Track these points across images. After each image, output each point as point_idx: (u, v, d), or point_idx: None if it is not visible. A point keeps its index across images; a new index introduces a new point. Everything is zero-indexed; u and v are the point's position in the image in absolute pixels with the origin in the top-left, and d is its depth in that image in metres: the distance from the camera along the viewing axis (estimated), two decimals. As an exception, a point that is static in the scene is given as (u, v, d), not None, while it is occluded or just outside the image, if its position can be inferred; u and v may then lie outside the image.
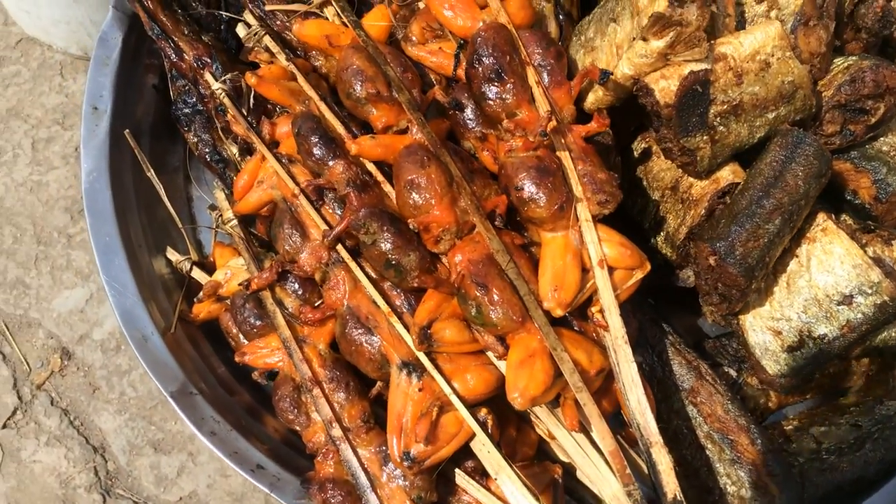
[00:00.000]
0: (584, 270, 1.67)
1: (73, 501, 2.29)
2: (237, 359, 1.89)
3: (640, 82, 1.76)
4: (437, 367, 1.65)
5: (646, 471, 1.64)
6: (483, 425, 1.64)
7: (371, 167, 1.82)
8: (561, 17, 2.01)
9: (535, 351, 1.60)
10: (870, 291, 1.74)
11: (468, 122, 1.84)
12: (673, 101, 1.71)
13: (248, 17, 2.09)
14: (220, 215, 2.06)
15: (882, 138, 1.91)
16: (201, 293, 2.01)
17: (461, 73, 1.87)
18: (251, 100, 2.03)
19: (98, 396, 2.38)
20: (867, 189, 1.88)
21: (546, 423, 1.69)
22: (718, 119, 1.76)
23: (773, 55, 1.76)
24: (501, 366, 1.66)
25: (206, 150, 2.14)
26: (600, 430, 1.60)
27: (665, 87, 1.72)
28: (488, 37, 1.75)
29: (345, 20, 1.94)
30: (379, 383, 1.78)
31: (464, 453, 1.69)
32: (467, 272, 1.63)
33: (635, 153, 2.03)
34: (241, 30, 2.08)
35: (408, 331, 1.68)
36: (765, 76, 1.76)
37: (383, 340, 1.70)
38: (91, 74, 2.17)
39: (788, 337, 1.79)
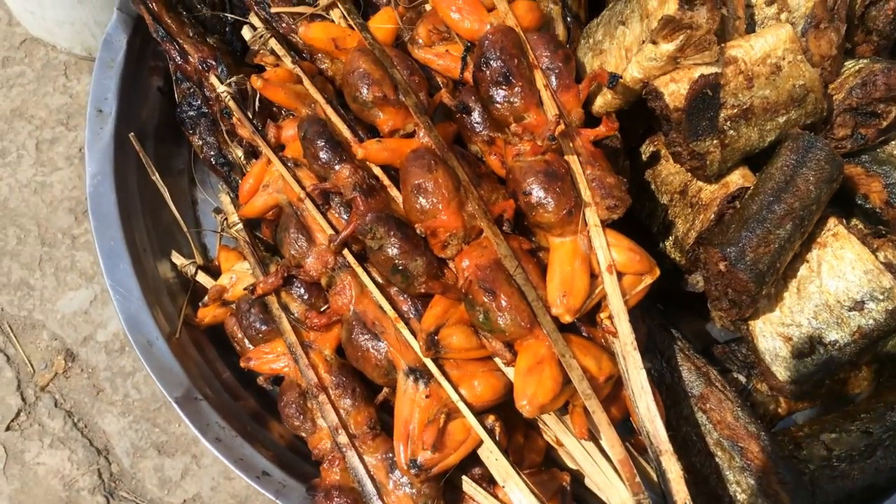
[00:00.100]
0: (593, 276, 1.66)
1: (76, 504, 2.28)
2: (242, 364, 1.88)
3: (650, 86, 1.74)
4: (444, 373, 1.64)
5: (655, 479, 1.63)
6: (491, 432, 1.63)
7: (377, 171, 1.80)
8: (569, 19, 2.00)
9: (544, 357, 1.58)
10: (881, 297, 1.72)
11: (475, 125, 1.83)
12: (683, 105, 1.70)
13: (253, 19, 2.08)
14: (226, 219, 2.05)
15: (893, 142, 1.89)
16: (206, 297, 1.99)
17: (468, 75, 1.85)
18: (256, 103, 2.02)
19: (102, 398, 2.37)
20: (878, 193, 1.86)
21: (554, 429, 1.67)
22: (729, 123, 1.74)
23: (784, 58, 1.74)
24: (509, 372, 1.65)
25: (211, 153, 2.12)
26: (609, 438, 1.59)
27: (675, 90, 1.71)
28: (496, 40, 1.74)
29: (351, 23, 1.93)
30: (385, 389, 1.77)
31: (471, 460, 1.67)
32: (475, 277, 1.62)
33: (643, 156, 2.02)
34: (246, 32, 2.07)
35: (415, 337, 1.67)
36: (776, 80, 1.74)
37: (390, 346, 1.69)
38: (95, 77, 2.15)
39: (799, 343, 1.77)
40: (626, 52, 1.78)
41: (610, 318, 1.64)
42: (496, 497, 1.67)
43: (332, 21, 2.00)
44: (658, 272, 1.68)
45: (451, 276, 1.70)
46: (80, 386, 2.39)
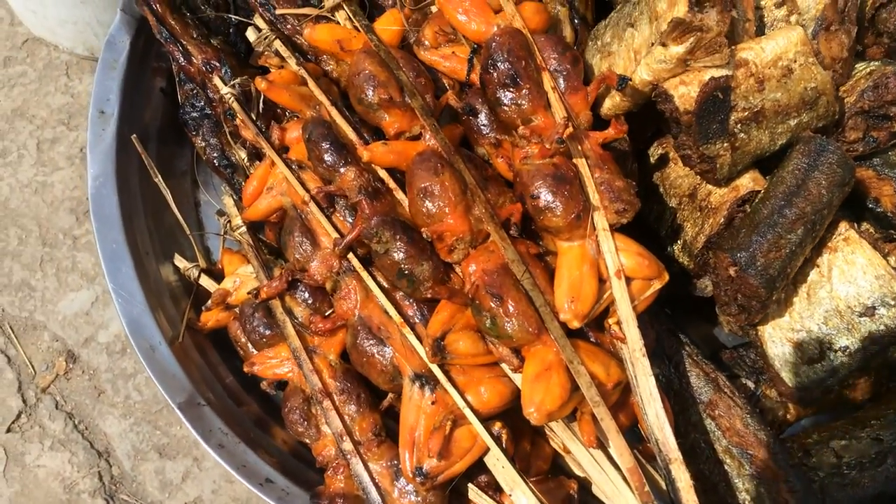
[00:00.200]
0: (601, 281, 1.64)
1: (77, 507, 2.27)
2: (246, 369, 1.86)
3: (659, 88, 1.72)
4: (450, 379, 1.62)
5: (664, 487, 1.61)
6: (497, 440, 1.61)
7: (383, 174, 1.79)
8: (576, 21, 1.98)
9: (552, 364, 1.56)
10: (892, 303, 1.71)
11: (482, 127, 1.81)
12: (693, 108, 1.68)
13: (258, 20, 2.06)
14: (229, 221, 2.04)
15: (905, 145, 1.87)
16: (210, 301, 1.98)
17: (475, 77, 1.84)
18: (260, 104, 2.00)
19: (103, 400, 2.36)
20: (890, 197, 1.84)
21: (561, 436, 1.65)
22: (739, 126, 1.73)
23: (795, 61, 1.72)
24: (516, 378, 1.63)
25: (215, 154, 2.11)
26: (618, 445, 1.57)
27: (685, 93, 1.69)
28: (503, 41, 1.72)
29: (356, 24, 1.91)
30: (390, 395, 1.75)
31: (477, 467, 1.65)
32: (482, 282, 1.60)
33: (652, 159, 2.00)
34: (251, 34, 2.05)
35: (420, 342, 1.65)
36: (787, 82, 1.73)
37: (395, 352, 1.67)
38: (98, 78, 2.14)
39: (809, 349, 1.76)
40: (635, 54, 1.76)
41: (618, 323, 1.62)
42: (503, 505, 1.66)
43: (338, 23, 1.98)
44: (667, 277, 1.67)
45: (458, 280, 1.68)
46: (82, 387, 2.38)
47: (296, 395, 1.79)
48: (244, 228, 1.98)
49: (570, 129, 1.67)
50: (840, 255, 1.75)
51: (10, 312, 2.47)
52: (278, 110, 2.02)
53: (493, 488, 1.67)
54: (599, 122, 1.80)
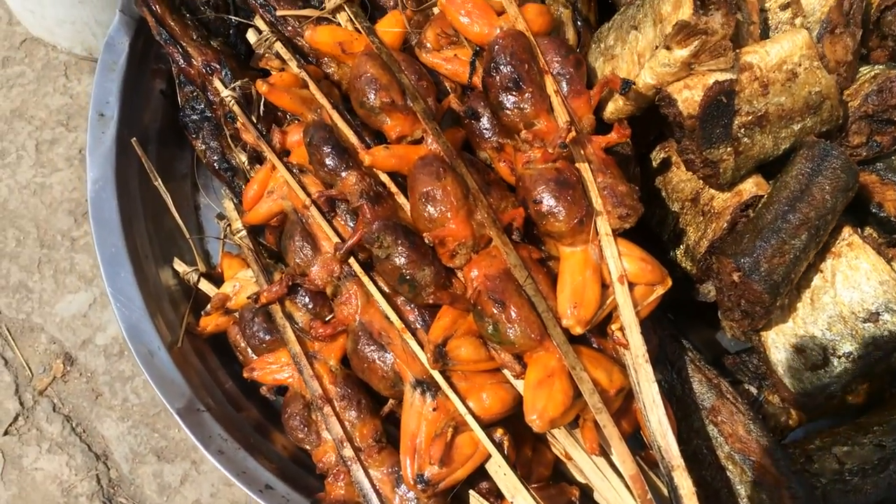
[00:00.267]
0: (604, 286, 1.63)
1: (75, 511, 2.26)
2: (245, 374, 1.85)
3: (663, 92, 1.71)
4: (451, 385, 1.62)
5: (666, 493, 1.60)
6: (499, 446, 1.61)
7: (385, 178, 1.78)
8: (579, 23, 1.98)
9: (554, 370, 1.56)
10: (897, 309, 1.70)
11: (484, 131, 1.80)
12: (697, 112, 1.67)
13: (258, 22, 2.05)
14: (229, 225, 2.03)
15: (909, 150, 1.86)
16: (209, 306, 1.97)
17: (477, 80, 1.83)
18: (261, 107, 1.99)
19: (101, 403, 2.35)
20: (893, 202, 1.83)
21: (563, 443, 1.65)
22: (743, 130, 1.72)
23: (800, 65, 1.71)
24: (518, 384, 1.63)
25: (215, 157, 2.10)
26: (621, 453, 1.56)
27: (689, 97, 1.68)
28: (506, 44, 1.71)
29: (358, 26, 1.90)
30: (391, 401, 1.75)
31: (478, 474, 1.65)
32: (484, 288, 1.59)
33: (654, 163, 1.99)
34: (251, 36, 2.05)
35: (422, 348, 1.64)
36: (791, 86, 1.72)
37: (396, 358, 1.67)
38: (97, 80, 2.13)
39: (812, 354, 1.75)
40: (639, 57, 1.75)
41: (621, 329, 1.62)
42: (504, 512, 1.65)
43: (339, 24, 1.97)
44: (670, 282, 1.66)
45: (460, 285, 1.67)
46: (79, 390, 2.37)
47: (296, 401, 1.78)
48: (244, 232, 1.98)
49: (573, 134, 1.66)
50: (844, 261, 1.74)
51: (7, 314, 2.46)
52: (279, 113, 2.01)
53: (495, 495, 1.66)
54: (602, 126, 1.79)
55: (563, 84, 1.74)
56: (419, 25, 1.94)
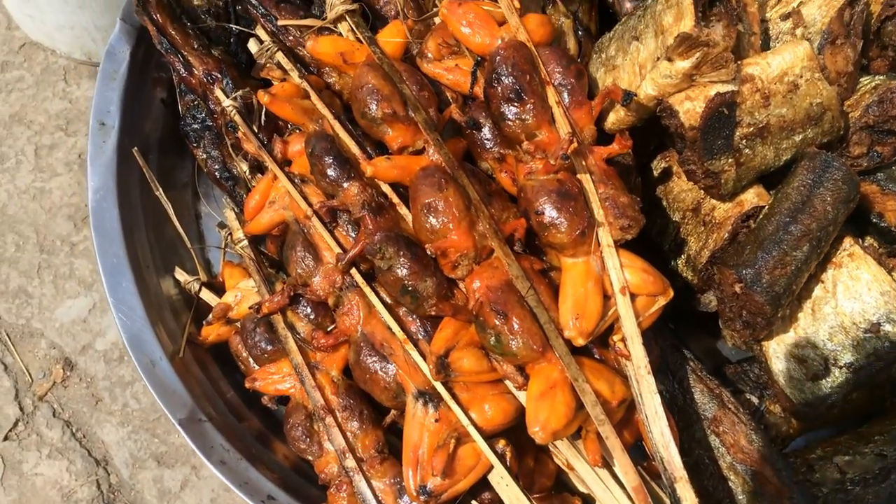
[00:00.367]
0: (606, 297, 1.63)
1: (75, 516, 2.26)
2: (247, 385, 1.86)
3: (664, 103, 1.71)
4: (454, 396, 1.61)
5: (668, 504, 1.61)
6: (501, 457, 1.61)
7: (386, 189, 1.78)
8: (580, 32, 1.98)
9: (556, 382, 1.56)
10: (898, 319, 1.70)
11: (486, 142, 1.80)
12: (698, 124, 1.67)
13: (259, 32, 2.05)
14: (230, 234, 2.03)
15: (910, 160, 1.86)
16: (211, 316, 1.97)
17: (478, 90, 1.82)
18: (262, 117, 1.99)
19: (100, 408, 2.35)
20: (894, 212, 1.83)
21: (566, 454, 1.65)
22: (744, 142, 1.72)
23: (801, 76, 1.71)
24: (520, 395, 1.62)
25: (216, 166, 2.10)
26: (623, 464, 1.56)
27: (690, 108, 1.68)
28: (508, 55, 1.71)
29: (360, 36, 1.90)
30: (393, 411, 1.75)
31: (480, 485, 1.64)
32: (486, 299, 1.59)
33: (655, 172, 1.99)
34: (252, 46, 2.04)
35: (424, 359, 1.64)
36: (793, 98, 1.72)
37: (399, 368, 1.66)
38: (98, 89, 2.13)
39: (813, 365, 1.75)
40: (640, 68, 1.75)
41: (623, 340, 1.62)
42: (506, 523, 1.65)
43: (341, 34, 1.97)
44: (672, 293, 1.66)
45: (462, 296, 1.67)
46: (79, 395, 2.37)
47: (298, 412, 1.78)
48: (246, 242, 1.98)
49: (575, 145, 1.66)
50: (845, 271, 1.74)
51: (6, 319, 2.46)
52: (280, 122, 2.01)
53: (497, 506, 1.66)
54: (603, 136, 1.79)
55: (565, 95, 1.73)
56: (420, 35, 1.94)
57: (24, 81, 2.74)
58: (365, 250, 1.66)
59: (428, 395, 1.63)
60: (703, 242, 1.84)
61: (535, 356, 1.57)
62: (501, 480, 1.61)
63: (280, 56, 1.99)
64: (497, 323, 1.56)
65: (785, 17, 1.84)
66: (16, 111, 2.69)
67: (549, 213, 1.62)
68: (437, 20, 1.92)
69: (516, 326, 1.56)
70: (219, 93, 2.02)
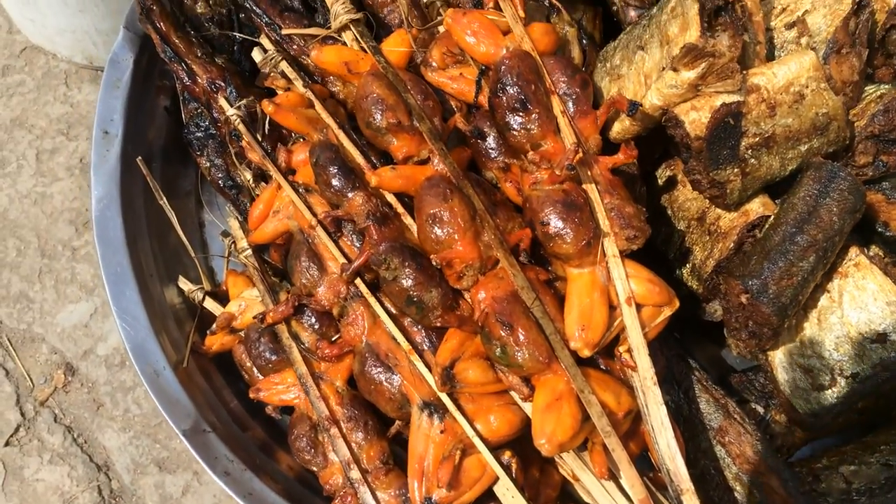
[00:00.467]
0: (612, 307, 1.63)
1: (77, 522, 2.26)
2: (251, 395, 1.85)
3: (670, 113, 1.71)
4: (459, 407, 1.61)
5: (674, 516, 1.60)
6: (507, 469, 1.61)
7: (391, 198, 1.77)
8: (584, 41, 1.97)
9: (562, 394, 1.55)
10: (904, 329, 1.70)
11: (490, 151, 1.80)
12: (704, 134, 1.67)
13: (264, 41, 2.04)
14: (234, 243, 2.02)
15: (915, 169, 1.86)
16: (214, 325, 1.96)
17: (483, 99, 1.82)
18: (266, 125, 1.98)
19: (102, 413, 2.34)
20: (899, 221, 1.84)
21: (571, 465, 1.64)
22: (750, 152, 1.71)
23: (807, 86, 1.71)
24: (525, 406, 1.62)
25: (219, 175, 2.09)
26: (630, 476, 1.56)
27: (696, 118, 1.67)
28: (513, 65, 1.70)
29: (364, 45, 1.89)
30: (398, 422, 1.74)
31: (486, 496, 1.64)
32: (491, 310, 1.58)
33: (659, 181, 1.98)
34: (256, 55, 2.03)
35: (429, 369, 1.64)
36: (799, 108, 1.71)
37: (404, 379, 1.66)
38: (101, 97, 2.12)
39: (819, 375, 1.75)
40: (645, 78, 1.75)
41: (629, 351, 1.61)
42: (512, 534, 1.64)
43: (345, 43, 1.96)
44: (677, 304, 1.66)
45: (467, 307, 1.67)
46: (80, 400, 2.37)
47: (302, 423, 1.77)
48: (250, 251, 1.97)
49: (580, 155, 1.65)
50: (851, 281, 1.73)
51: (8, 324, 2.45)
52: (284, 131, 2.00)
53: (503, 517, 1.66)
54: (608, 146, 1.79)
55: (570, 104, 1.73)
56: (425, 44, 1.93)
57: (25, 85, 2.73)
58: (370, 260, 1.66)
59: (433, 406, 1.62)
60: (708, 252, 1.83)
61: (540, 367, 1.56)
62: (507, 492, 1.61)
63: (284, 65, 1.98)
64: (503, 334, 1.56)
65: (790, 26, 1.84)
66: (17, 115, 2.68)
67: (555, 223, 1.61)
68: (441, 29, 1.92)
69: (522, 338, 1.55)
70: (222, 101, 2.01)
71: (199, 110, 2.12)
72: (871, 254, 1.78)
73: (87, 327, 2.44)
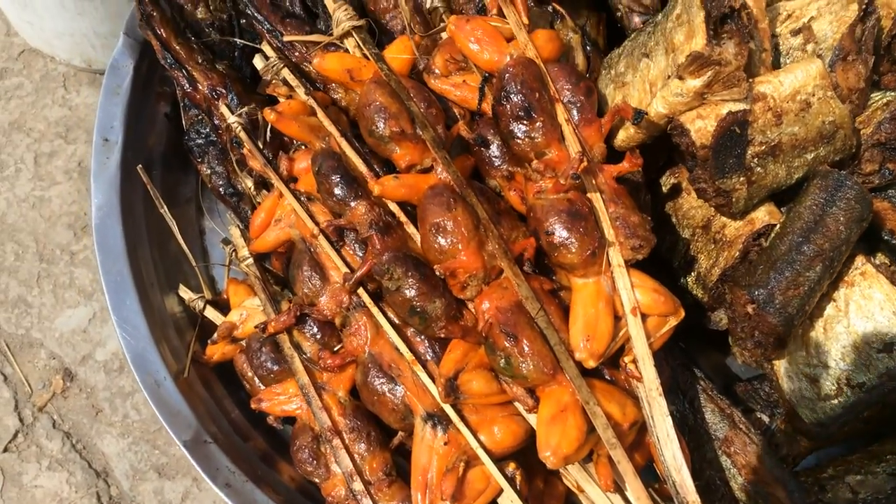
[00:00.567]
0: (616, 318, 1.62)
1: (75, 529, 2.24)
2: (253, 405, 1.84)
3: (675, 121, 1.70)
4: (463, 419, 1.60)
5: (680, 528, 1.59)
6: (511, 481, 1.60)
7: (394, 207, 1.76)
8: (588, 47, 1.96)
9: (567, 405, 1.54)
10: (911, 339, 1.69)
11: (494, 159, 1.79)
12: (710, 143, 1.66)
13: (265, 48, 2.03)
14: (235, 251, 2.01)
15: (921, 177, 1.85)
16: (215, 335, 1.95)
17: (486, 107, 1.81)
18: (268, 133, 1.97)
19: (101, 419, 2.33)
20: (905, 229, 1.82)
21: (576, 477, 1.63)
22: (756, 160, 1.70)
23: (814, 95, 1.70)
24: (530, 417, 1.61)
25: (220, 182, 2.08)
26: (635, 488, 1.55)
27: (701, 127, 1.66)
28: (517, 72, 1.69)
29: (366, 52, 1.88)
30: (401, 433, 1.73)
31: (489, 507, 1.63)
32: (496, 320, 1.57)
33: (664, 188, 1.97)
34: (258, 62, 2.02)
35: (432, 380, 1.63)
36: (805, 116, 1.70)
37: (407, 390, 1.65)
38: (102, 104, 2.11)
39: (825, 385, 1.74)
40: (651, 85, 1.74)
41: (634, 362, 1.60)
42: (516, 546, 1.63)
43: (347, 50, 1.95)
44: (683, 313, 1.64)
45: (470, 316, 1.65)
46: (79, 406, 2.36)
47: (304, 433, 1.76)
48: (251, 260, 1.96)
49: (585, 164, 1.64)
50: (857, 290, 1.72)
51: (6, 329, 2.44)
52: (285, 138, 1.99)
53: (507, 529, 1.65)
54: (612, 154, 1.78)
55: (574, 112, 1.72)
56: (427, 51, 1.92)
57: (23, 88, 2.72)
58: (373, 270, 1.65)
59: (437, 418, 1.61)
60: (713, 260, 1.82)
61: (545, 379, 1.55)
62: (511, 504, 1.60)
63: (286, 72, 1.97)
64: (507, 345, 1.55)
65: (795, 33, 1.83)
66: (15, 118, 2.67)
67: (560, 233, 1.60)
68: (444, 35, 1.91)
69: (526, 349, 1.54)
70: (224, 109, 2.00)
71: (199, 117, 2.10)
72: (878, 262, 1.77)
73: (85, 332, 2.42)
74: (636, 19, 1.97)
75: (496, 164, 1.79)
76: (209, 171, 2.09)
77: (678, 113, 1.70)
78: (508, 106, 1.68)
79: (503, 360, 1.56)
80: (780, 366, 1.78)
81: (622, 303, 1.61)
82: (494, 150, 1.78)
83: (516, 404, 1.63)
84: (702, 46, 1.60)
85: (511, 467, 1.61)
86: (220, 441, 1.89)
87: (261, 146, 1.95)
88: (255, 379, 1.91)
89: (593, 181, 1.67)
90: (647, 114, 1.70)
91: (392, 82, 1.79)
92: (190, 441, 1.85)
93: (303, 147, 1.95)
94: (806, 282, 1.64)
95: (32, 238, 2.52)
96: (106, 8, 2.42)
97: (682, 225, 1.91)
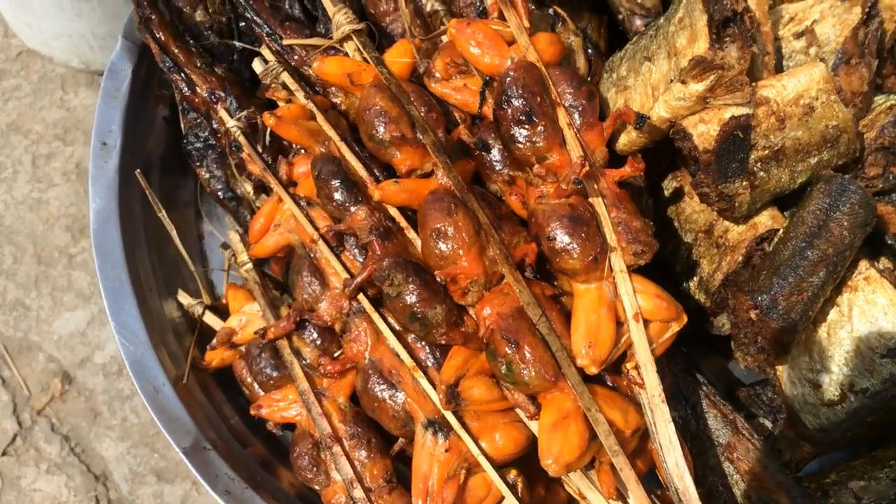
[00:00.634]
0: (619, 323, 1.61)
1: (74, 533, 2.24)
2: (253, 412, 1.83)
3: (678, 126, 1.69)
4: (464, 426, 1.59)
5: (683, 535, 1.58)
6: (513, 488, 1.59)
7: (394, 212, 1.75)
8: (590, 50, 1.95)
9: (569, 412, 1.53)
10: (915, 344, 1.68)
11: (495, 164, 1.78)
12: (712, 147, 1.65)
13: (265, 51, 2.02)
14: (234, 256, 2.00)
15: (925, 180, 1.84)
16: (215, 340, 1.94)
17: (487, 111, 1.80)
18: (267, 137, 1.96)
19: (99, 422, 2.33)
20: (910, 233, 1.82)
21: (578, 484, 1.62)
22: (759, 164, 1.69)
23: (817, 99, 1.69)
24: (531, 424, 1.60)
25: (219, 186, 2.08)
26: (637, 495, 1.54)
27: (704, 131, 1.65)
28: (518, 76, 1.68)
29: (366, 56, 1.87)
30: (401, 439, 1.72)
31: (491, 515, 1.62)
32: (497, 327, 1.56)
33: (666, 192, 1.96)
34: (257, 65, 2.01)
35: (433, 386, 1.62)
36: (808, 120, 1.69)
37: (408, 397, 1.64)
38: (100, 107, 2.10)
39: (829, 390, 1.73)
40: (653, 89, 1.73)
41: (636, 368, 1.59)
42: (518, 554, 1.62)
43: (347, 54, 1.94)
44: (685, 319, 1.64)
45: (471, 322, 1.64)
46: (78, 409, 2.35)
47: (304, 440, 1.75)
48: (250, 265, 1.95)
49: (587, 168, 1.63)
50: (861, 295, 1.71)
51: (4, 332, 2.44)
52: (285, 142, 1.98)
53: (509, 536, 1.64)
54: (614, 158, 1.77)
55: (576, 116, 1.71)
56: (428, 54, 1.91)
57: (21, 90, 2.72)
58: (373, 276, 1.64)
59: (438, 425, 1.61)
60: (716, 265, 1.81)
61: (547, 385, 1.54)
62: (513, 511, 1.59)
63: (285, 76, 1.95)
64: (508, 351, 1.54)
65: (798, 36, 1.82)
66: (13, 120, 2.67)
67: (561, 238, 1.59)
68: (444, 39, 1.90)
69: (528, 355, 1.53)
70: (222, 112, 1.99)
71: (198, 121, 2.10)
72: (882, 267, 1.77)
73: (83, 335, 2.42)
74: (638, 22, 1.96)
75: (497, 168, 1.78)
76: (208, 176, 2.09)
77: (681, 117, 1.69)
78: (510, 110, 1.67)
79: (504, 367, 1.55)
80: (783, 371, 1.78)
81: (624, 308, 1.60)
82: (495, 154, 1.77)
83: (518, 411, 1.62)
84: (704, 50, 1.59)
85: (513, 474, 1.60)
86: (219, 447, 1.88)
87: (260, 150, 1.94)
88: (255, 385, 1.90)
89: (595, 186, 1.66)
90: (649, 118, 1.69)
91: (392, 86, 1.78)
92: (189, 447, 1.84)
93: (302, 151, 1.93)
94: (809, 287, 1.64)
95: (30, 240, 2.52)
96: (104, 9, 2.42)
97: (685, 229, 1.91)
